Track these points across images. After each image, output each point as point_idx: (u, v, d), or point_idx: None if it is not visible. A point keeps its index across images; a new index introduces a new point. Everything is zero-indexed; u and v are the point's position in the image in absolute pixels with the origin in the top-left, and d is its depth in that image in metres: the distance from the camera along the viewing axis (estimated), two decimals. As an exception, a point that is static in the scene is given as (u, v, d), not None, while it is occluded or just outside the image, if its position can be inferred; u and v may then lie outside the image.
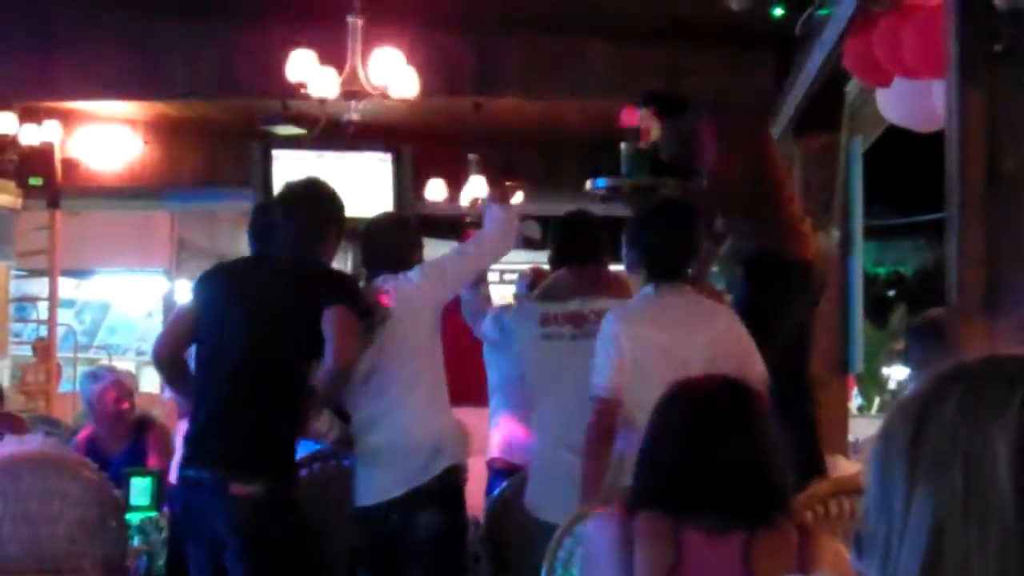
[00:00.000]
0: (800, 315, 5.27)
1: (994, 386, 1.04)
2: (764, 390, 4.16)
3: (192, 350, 4.57)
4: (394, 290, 4.59)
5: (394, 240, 4.85)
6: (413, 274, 4.68)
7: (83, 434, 6.13)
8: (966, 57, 3.83)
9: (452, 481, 4.60)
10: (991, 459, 1.00)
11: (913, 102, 5.23)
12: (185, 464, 4.44)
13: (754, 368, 4.20)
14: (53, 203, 10.72)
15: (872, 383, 24.20)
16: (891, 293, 25.49)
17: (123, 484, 5.23)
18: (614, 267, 5.19)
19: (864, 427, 10.49)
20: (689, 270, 4.48)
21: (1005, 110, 3.79)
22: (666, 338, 4.21)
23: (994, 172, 3.78)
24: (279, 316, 4.38)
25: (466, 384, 5.32)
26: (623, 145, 5.57)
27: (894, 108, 5.54)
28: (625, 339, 4.18)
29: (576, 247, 4.90)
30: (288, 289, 4.44)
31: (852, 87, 6.84)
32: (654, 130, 5.53)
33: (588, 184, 5.78)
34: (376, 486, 4.54)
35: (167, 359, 4.61)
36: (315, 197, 4.72)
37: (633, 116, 5.58)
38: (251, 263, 4.72)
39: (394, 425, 4.54)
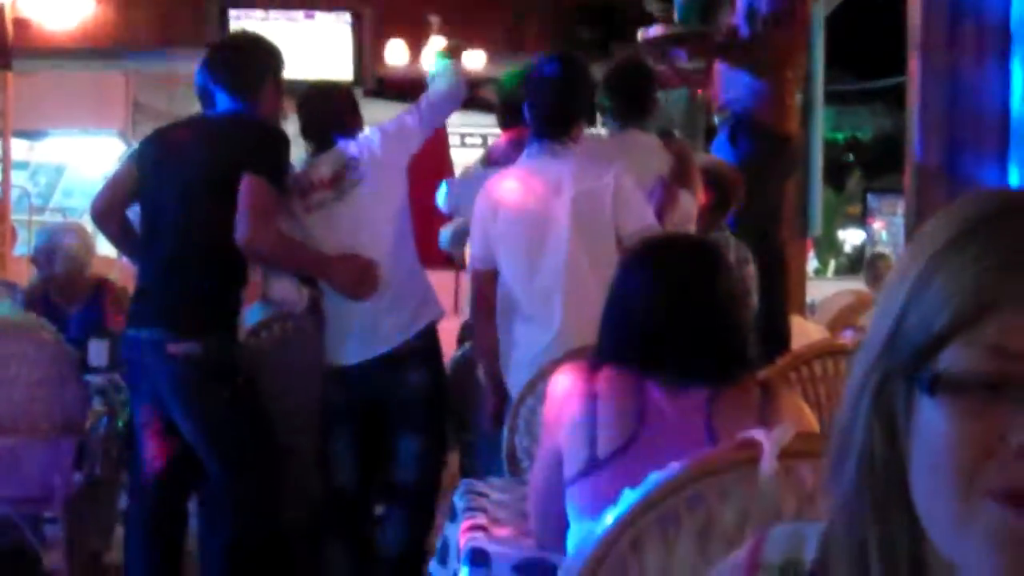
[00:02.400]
0: (778, 186, 5.32)
1: None
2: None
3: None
4: (363, 148, 4.57)
5: (331, 108, 4.79)
6: (374, 135, 4.65)
7: (36, 290, 6.05)
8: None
9: (433, 338, 4.67)
10: None
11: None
12: (128, 323, 4.47)
13: (633, 222, 4.16)
14: (4, 64, 10.53)
15: (828, 247, 24.44)
16: (848, 158, 25.61)
17: (81, 345, 5.24)
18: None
19: (820, 289, 10.60)
20: (573, 128, 4.32)
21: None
22: (532, 200, 4.22)
23: (955, 34, 3.78)
24: (209, 178, 4.33)
25: (430, 247, 5.31)
26: None
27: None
28: (495, 206, 4.24)
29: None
30: (215, 150, 4.38)
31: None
32: None
33: (640, 33, 5.65)
34: (357, 344, 4.55)
35: (103, 216, 4.58)
36: (241, 49, 4.68)
37: None
38: (186, 124, 4.66)
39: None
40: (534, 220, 4.18)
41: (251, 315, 5.31)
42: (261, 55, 4.61)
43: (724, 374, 2.53)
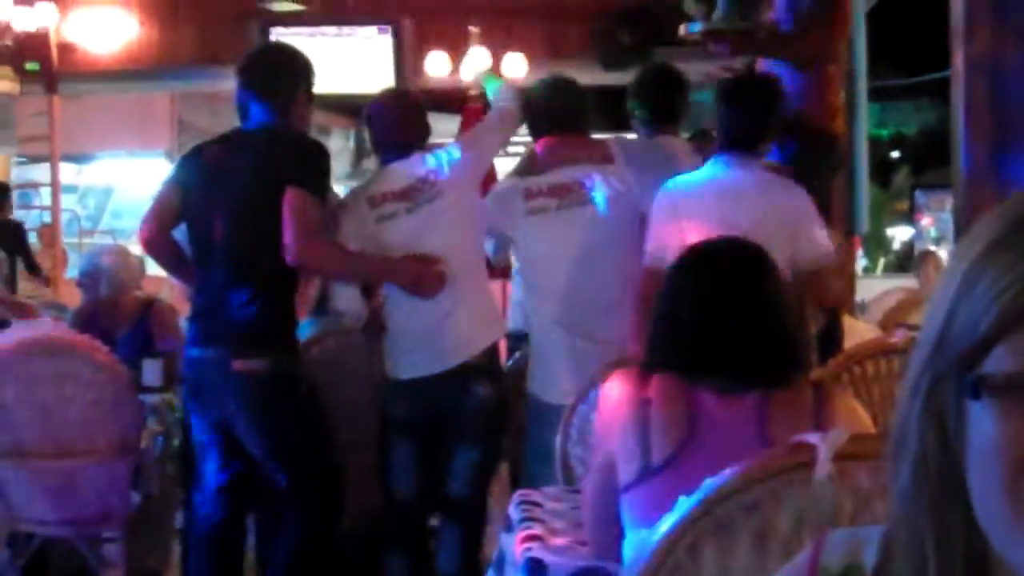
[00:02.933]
0: (825, 185, 5.28)
1: None
2: (826, 267, 4.25)
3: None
4: (443, 163, 4.57)
5: (405, 116, 4.74)
6: (453, 151, 4.65)
7: (83, 311, 6.03)
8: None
9: (497, 354, 4.66)
10: None
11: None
12: (190, 344, 4.48)
13: (815, 248, 4.25)
14: (51, 88, 10.64)
15: (876, 244, 24.27)
16: (894, 154, 25.44)
17: (135, 366, 5.27)
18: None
19: (869, 288, 10.53)
20: (761, 146, 4.41)
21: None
22: (717, 207, 4.19)
23: (1000, 27, 3.75)
24: (254, 194, 4.34)
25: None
26: None
27: (899, -34, 5.48)
28: (674, 206, 4.23)
29: (555, 115, 4.73)
30: (257, 164, 4.38)
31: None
32: None
33: (681, 29, 5.65)
34: (423, 358, 4.53)
35: (153, 244, 4.58)
36: (272, 60, 4.68)
37: None
38: (223, 140, 4.63)
39: (443, 299, 4.51)
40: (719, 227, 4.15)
41: (303, 329, 5.34)
42: (293, 66, 4.61)
43: (776, 377, 2.52)
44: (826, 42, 5.33)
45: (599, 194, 4.51)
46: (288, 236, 4.22)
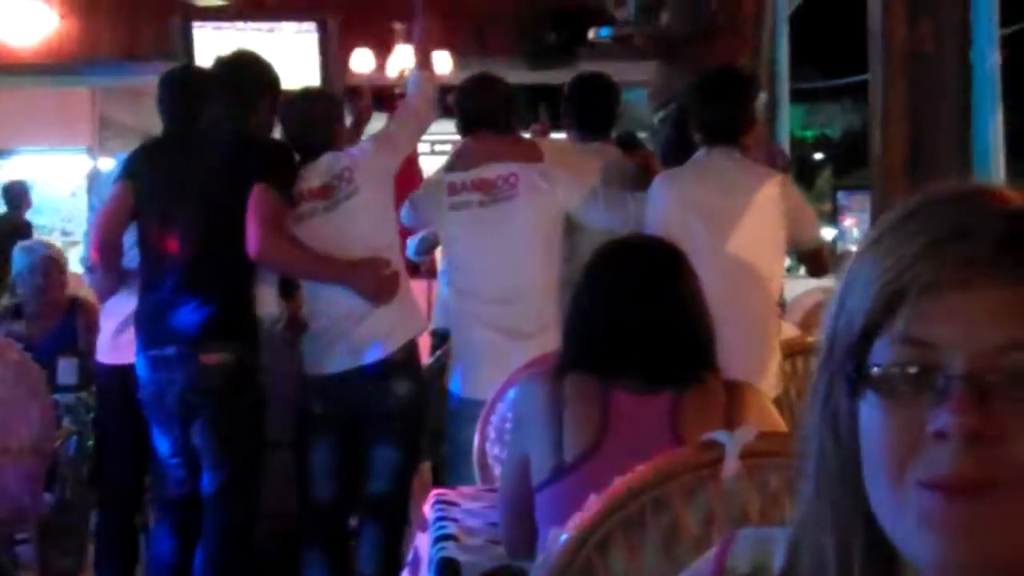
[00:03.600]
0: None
1: None
2: (821, 257, 4.34)
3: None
4: (357, 160, 4.56)
5: (318, 115, 4.72)
6: (366, 146, 4.68)
7: (9, 308, 5.95)
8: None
9: (415, 350, 4.66)
10: None
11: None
12: (145, 347, 4.41)
13: (805, 233, 4.46)
14: (-32, 83, 10.49)
15: (800, 245, 24.43)
16: (818, 156, 25.69)
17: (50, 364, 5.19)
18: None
19: (792, 288, 10.57)
20: (743, 138, 4.48)
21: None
22: (709, 197, 4.30)
23: (914, 28, 3.79)
24: (221, 192, 4.36)
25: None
26: None
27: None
28: (669, 198, 4.30)
29: (481, 112, 4.73)
30: (224, 163, 4.42)
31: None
32: None
33: (591, 33, 5.69)
34: (343, 354, 4.52)
35: (108, 248, 4.57)
36: (245, 66, 4.72)
37: None
38: (184, 138, 4.59)
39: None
40: (715, 216, 4.31)
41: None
42: (259, 72, 4.69)
43: (687, 377, 2.53)
44: (733, 47, 5.37)
45: (524, 190, 4.51)
46: (252, 231, 4.25)
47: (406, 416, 4.57)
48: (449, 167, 4.77)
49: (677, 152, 5.04)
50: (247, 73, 4.64)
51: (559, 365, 2.62)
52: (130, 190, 4.52)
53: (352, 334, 4.50)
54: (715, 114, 4.44)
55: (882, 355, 0.90)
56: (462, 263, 4.65)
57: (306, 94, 5.01)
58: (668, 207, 4.30)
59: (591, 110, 5.02)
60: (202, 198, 4.37)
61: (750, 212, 4.28)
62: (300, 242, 4.49)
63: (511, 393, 3.37)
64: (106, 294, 4.85)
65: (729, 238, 4.23)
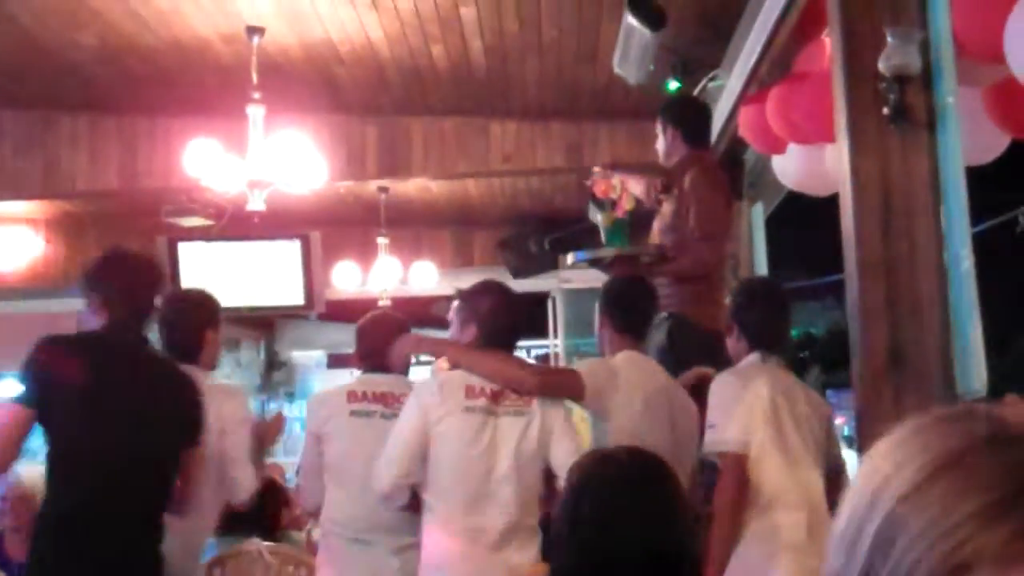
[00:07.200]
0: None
1: None
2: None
3: None
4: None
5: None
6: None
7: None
8: (855, 121, 3.91)
9: None
10: None
11: (808, 167, 5.33)
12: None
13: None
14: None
15: (790, 444, 24.30)
16: (804, 354, 25.76)
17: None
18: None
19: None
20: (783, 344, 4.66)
21: (896, 170, 3.86)
22: (784, 401, 4.36)
23: (888, 232, 3.84)
24: (155, 425, 4.16)
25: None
26: (600, 216, 5.62)
27: (790, 174, 5.63)
28: (755, 395, 4.34)
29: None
30: (169, 411, 4.23)
31: (750, 154, 6.95)
32: (627, 200, 5.62)
33: (570, 258, 5.76)
34: None
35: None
36: (178, 308, 4.81)
37: (605, 187, 5.64)
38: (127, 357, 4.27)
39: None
40: (788, 420, 4.42)
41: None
42: (198, 311, 4.81)
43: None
44: (710, 259, 5.46)
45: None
46: (184, 494, 4.20)
47: None
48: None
49: (666, 359, 5.07)
50: (185, 313, 4.80)
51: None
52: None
53: None
54: (765, 321, 4.57)
55: None
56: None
57: (379, 316, 5.18)
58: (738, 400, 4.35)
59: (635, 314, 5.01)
60: (134, 427, 4.17)
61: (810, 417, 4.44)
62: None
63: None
64: None
65: None
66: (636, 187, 5.77)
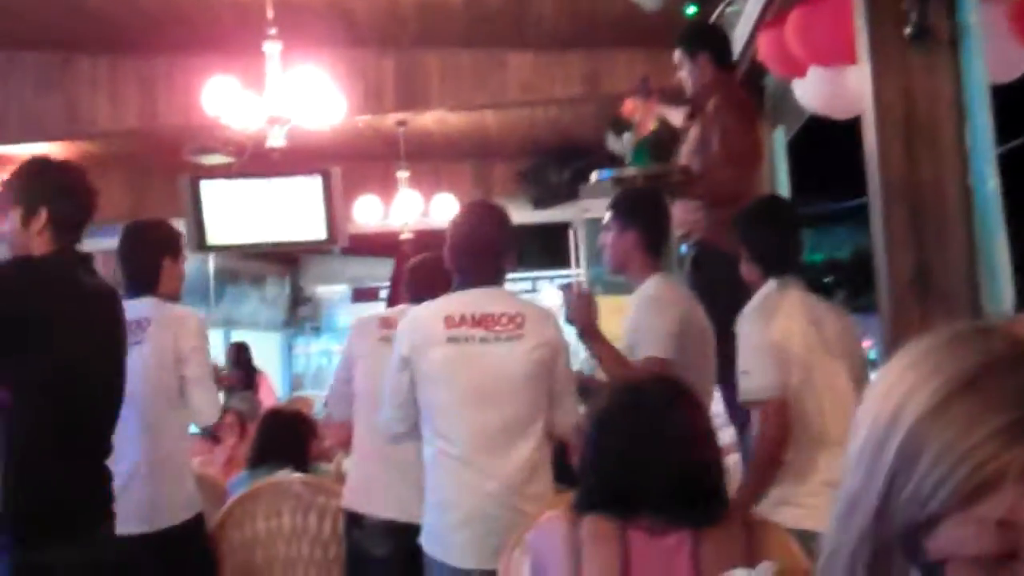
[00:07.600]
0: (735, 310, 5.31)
1: None
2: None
3: None
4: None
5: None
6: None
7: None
8: (877, 42, 3.87)
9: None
10: None
11: (830, 90, 5.28)
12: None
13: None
14: None
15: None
16: (829, 279, 25.72)
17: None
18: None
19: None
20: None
21: (919, 90, 3.83)
22: (814, 330, 4.18)
23: (912, 153, 3.82)
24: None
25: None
26: (625, 136, 5.58)
27: (812, 97, 5.58)
28: (783, 333, 4.15)
29: None
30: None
31: (770, 79, 6.89)
32: (652, 121, 5.58)
33: (594, 176, 5.69)
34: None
35: None
36: (132, 240, 4.86)
37: (632, 108, 5.60)
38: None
39: None
40: (825, 347, 4.27)
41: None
42: (153, 240, 4.82)
43: (705, 515, 2.50)
44: (738, 181, 5.41)
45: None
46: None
47: None
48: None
49: (693, 283, 5.06)
50: (140, 245, 4.85)
51: (575, 507, 2.60)
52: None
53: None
54: (783, 242, 4.41)
55: (961, 538, 0.83)
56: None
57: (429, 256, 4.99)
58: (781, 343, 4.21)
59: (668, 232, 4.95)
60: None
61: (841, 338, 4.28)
62: None
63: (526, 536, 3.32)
64: None
65: None
66: (675, 117, 5.74)
